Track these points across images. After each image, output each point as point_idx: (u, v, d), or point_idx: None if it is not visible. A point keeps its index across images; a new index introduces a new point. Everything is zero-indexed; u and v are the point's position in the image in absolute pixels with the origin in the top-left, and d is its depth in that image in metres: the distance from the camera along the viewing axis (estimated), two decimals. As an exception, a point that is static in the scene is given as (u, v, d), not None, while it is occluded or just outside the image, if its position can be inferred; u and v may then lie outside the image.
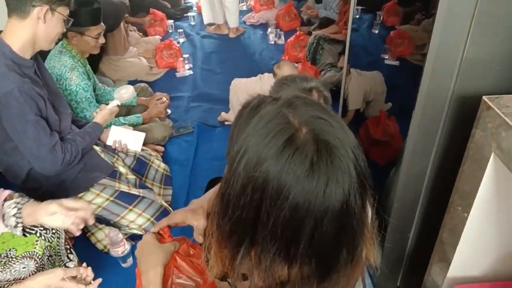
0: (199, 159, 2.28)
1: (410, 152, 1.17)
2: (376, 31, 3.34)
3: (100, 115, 1.85)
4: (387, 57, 2.91)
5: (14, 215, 1.11)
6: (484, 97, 0.97)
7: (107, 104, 2.21)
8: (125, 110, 2.43)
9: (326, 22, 3.60)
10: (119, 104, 1.94)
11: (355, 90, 2.31)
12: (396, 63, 2.83)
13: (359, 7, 2.97)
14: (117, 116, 2.29)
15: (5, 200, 1.14)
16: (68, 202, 1.15)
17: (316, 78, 1.19)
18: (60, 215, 1.11)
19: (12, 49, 1.38)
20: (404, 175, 1.21)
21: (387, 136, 2.23)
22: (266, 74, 2.48)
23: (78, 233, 1.15)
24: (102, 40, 2.13)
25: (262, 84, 2.43)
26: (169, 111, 2.62)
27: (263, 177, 0.53)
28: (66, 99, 1.88)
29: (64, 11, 1.47)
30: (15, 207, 1.12)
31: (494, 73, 1.08)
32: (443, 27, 1.02)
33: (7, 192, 1.17)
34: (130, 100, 2.11)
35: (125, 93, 2.02)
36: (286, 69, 2.32)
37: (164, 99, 2.44)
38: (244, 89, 2.51)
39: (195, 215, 0.89)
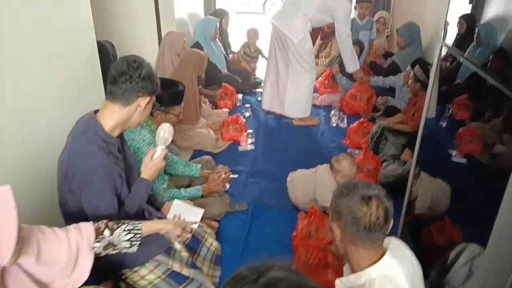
0: (251, 239, 2.27)
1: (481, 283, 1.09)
2: (444, 124, 3.26)
3: (143, 169, 1.70)
4: (454, 153, 2.81)
5: (128, 240, 1.43)
6: None
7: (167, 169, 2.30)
8: (187, 180, 2.53)
9: (391, 111, 3.61)
10: (164, 148, 1.74)
11: (424, 194, 2.23)
12: (464, 160, 2.71)
13: (430, 100, 2.96)
14: (179, 186, 2.40)
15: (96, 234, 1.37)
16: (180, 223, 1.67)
17: (379, 187, 1.19)
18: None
19: (104, 129, 1.52)
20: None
21: (450, 244, 2.10)
22: (323, 166, 2.49)
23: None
24: (181, 116, 2.31)
25: (317, 177, 2.43)
26: (227, 185, 2.68)
27: None
28: (138, 170, 2.01)
29: (154, 97, 1.63)
30: (127, 234, 1.43)
31: None
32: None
33: (91, 228, 1.36)
34: (171, 136, 1.78)
35: (165, 133, 1.74)
36: (344, 164, 2.33)
37: (223, 174, 2.53)
38: (300, 183, 2.52)
39: None
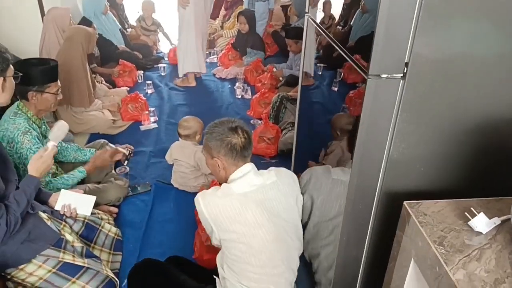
0: (153, 221, 2.25)
1: (344, 243, 1.21)
2: (336, 89, 3.45)
3: (33, 166, 1.66)
4: (347, 116, 3.01)
5: None
6: (405, 203, 1.03)
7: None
8: (71, 166, 2.38)
9: (292, 80, 3.74)
10: (56, 144, 1.77)
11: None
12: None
13: (321, 65, 3.12)
14: (67, 170, 2.25)
15: None
16: None
17: (239, 120, 1.42)
18: None
19: None
20: (340, 265, 1.24)
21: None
22: (176, 143, 2.57)
23: None
24: (60, 96, 2.15)
25: (183, 153, 2.47)
26: (127, 168, 2.60)
27: None
28: (15, 161, 1.86)
29: (11, 72, 1.53)
30: None
31: (419, 173, 1.15)
32: (367, 126, 1.09)
33: None
34: (64, 134, 1.89)
35: (58, 130, 1.83)
36: (189, 125, 2.46)
37: (126, 151, 2.43)
38: (181, 175, 2.52)
39: None
